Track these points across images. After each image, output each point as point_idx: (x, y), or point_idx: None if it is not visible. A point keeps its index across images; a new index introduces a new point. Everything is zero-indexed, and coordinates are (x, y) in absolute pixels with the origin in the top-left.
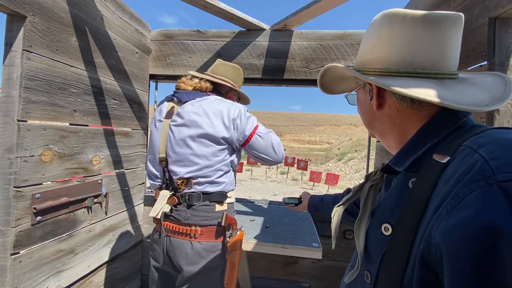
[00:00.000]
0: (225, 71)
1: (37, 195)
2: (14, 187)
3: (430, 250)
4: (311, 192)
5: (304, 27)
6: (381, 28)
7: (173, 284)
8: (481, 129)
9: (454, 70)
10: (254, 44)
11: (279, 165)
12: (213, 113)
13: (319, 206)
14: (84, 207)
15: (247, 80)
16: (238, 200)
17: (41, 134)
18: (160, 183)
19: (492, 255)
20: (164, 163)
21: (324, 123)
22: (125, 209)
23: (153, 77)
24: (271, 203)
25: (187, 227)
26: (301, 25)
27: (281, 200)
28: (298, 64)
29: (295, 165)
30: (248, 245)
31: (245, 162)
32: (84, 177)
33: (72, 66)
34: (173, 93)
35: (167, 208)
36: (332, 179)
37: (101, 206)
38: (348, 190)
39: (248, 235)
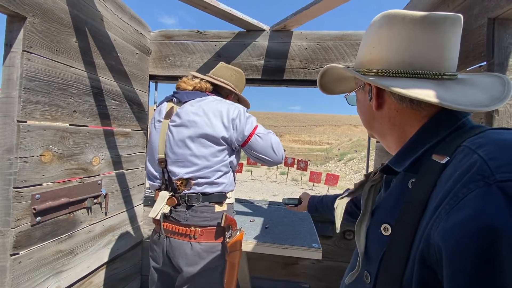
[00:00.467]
0: (226, 74)
1: (36, 196)
2: (14, 187)
3: (430, 250)
4: (311, 193)
5: (303, 28)
6: (381, 29)
7: (172, 284)
8: (480, 129)
9: (453, 71)
10: (254, 44)
11: (279, 165)
12: (212, 113)
13: (319, 207)
14: (84, 208)
15: (247, 81)
16: (238, 201)
17: (41, 134)
18: (159, 184)
19: (491, 255)
20: (163, 164)
21: (324, 123)
22: (125, 209)
23: (153, 77)
24: (271, 203)
25: (187, 228)
26: (301, 25)
27: (281, 201)
28: (297, 65)
29: (295, 166)
30: (248, 245)
31: (245, 162)
32: (84, 177)
33: (72, 67)
34: (173, 93)
35: (166, 209)
36: (332, 179)
37: (100, 207)
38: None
39: (248, 235)
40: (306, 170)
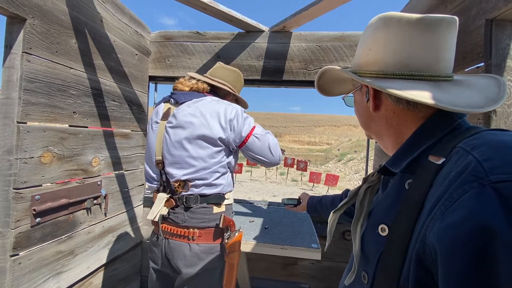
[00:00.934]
0: (223, 74)
1: (36, 197)
2: (14, 188)
3: (425, 250)
4: (311, 193)
5: (302, 29)
6: (377, 31)
7: (172, 286)
8: (476, 130)
9: (449, 72)
10: (253, 45)
11: (278, 166)
12: (209, 114)
13: (318, 207)
14: (84, 209)
15: (247, 82)
16: (238, 201)
17: (41, 135)
18: (157, 186)
19: (485, 256)
20: (160, 165)
21: (324, 124)
22: (125, 210)
23: (152, 78)
24: (270, 204)
25: (185, 230)
26: (300, 26)
27: (280, 201)
28: (297, 66)
29: (295, 166)
30: (248, 246)
31: (244, 163)
32: (83, 178)
33: (72, 68)
34: (170, 94)
35: (164, 211)
36: (332, 179)
37: (100, 208)
38: (346, 191)
39: (248, 236)
40: (306, 171)
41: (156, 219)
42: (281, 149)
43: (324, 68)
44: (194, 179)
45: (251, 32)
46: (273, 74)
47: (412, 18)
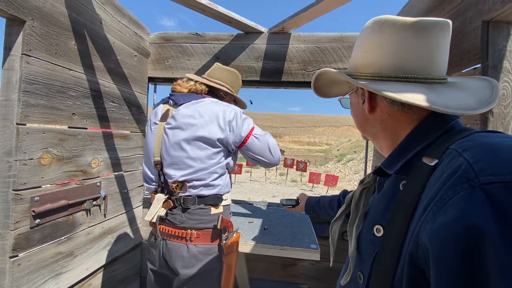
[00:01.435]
0: (221, 75)
1: (36, 198)
2: (13, 190)
3: (418, 250)
4: (310, 194)
5: (301, 30)
6: (373, 33)
7: (170, 286)
8: (468, 132)
9: (443, 75)
10: (252, 47)
11: (278, 166)
12: (208, 116)
13: (316, 208)
14: (83, 210)
15: (246, 83)
16: (237, 202)
17: (40, 137)
18: (155, 187)
19: (475, 256)
20: (159, 166)
21: (323, 124)
22: (124, 211)
23: (152, 79)
24: (269, 204)
25: (183, 231)
26: (299, 28)
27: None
28: (295, 67)
29: (295, 167)
30: (247, 246)
31: (244, 163)
32: (83, 179)
33: (71, 70)
34: (169, 95)
35: (162, 212)
36: (332, 180)
37: (100, 209)
38: (344, 192)
39: (247, 237)
40: (306, 171)
41: (154, 220)
42: (281, 150)
43: (320, 70)
44: (192, 180)
45: (250, 33)
46: (272, 75)
47: (406, 22)
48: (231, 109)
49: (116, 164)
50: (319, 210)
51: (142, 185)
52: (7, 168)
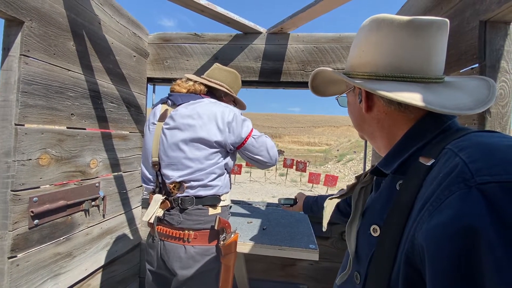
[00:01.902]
0: (220, 75)
1: (34, 199)
2: (12, 190)
3: (414, 250)
4: (310, 194)
5: (300, 30)
6: (370, 32)
7: (168, 287)
8: (464, 132)
9: (440, 75)
10: (251, 47)
11: (278, 166)
12: (207, 116)
13: (314, 207)
14: (82, 210)
15: (245, 83)
16: (236, 202)
17: (39, 137)
18: (153, 187)
19: (471, 255)
20: (157, 166)
21: (323, 124)
22: (123, 212)
23: (150, 80)
24: (268, 205)
25: (180, 231)
26: (297, 28)
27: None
28: (294, 67)
29: (294, 167)
30: (246, 247)
31: (244, 164)
32: (81, 180)
33: (70, 70)
34: (167, 95)
35: (160, 212)
36: (331, 180)
37: (98, 209)
38: (342, 191)
39: (246, 237)
40: (305, 171)
41: (151, 221)
42: (280, 150)
43: (318, 69)
44: (189, 181)
45: (249, 34)
46: (271, 75)
47: (403, 21)
48: (229, 110)
49: (115, 165)
50: (317, 209)
51: (141, 186)
52: (5, 169)
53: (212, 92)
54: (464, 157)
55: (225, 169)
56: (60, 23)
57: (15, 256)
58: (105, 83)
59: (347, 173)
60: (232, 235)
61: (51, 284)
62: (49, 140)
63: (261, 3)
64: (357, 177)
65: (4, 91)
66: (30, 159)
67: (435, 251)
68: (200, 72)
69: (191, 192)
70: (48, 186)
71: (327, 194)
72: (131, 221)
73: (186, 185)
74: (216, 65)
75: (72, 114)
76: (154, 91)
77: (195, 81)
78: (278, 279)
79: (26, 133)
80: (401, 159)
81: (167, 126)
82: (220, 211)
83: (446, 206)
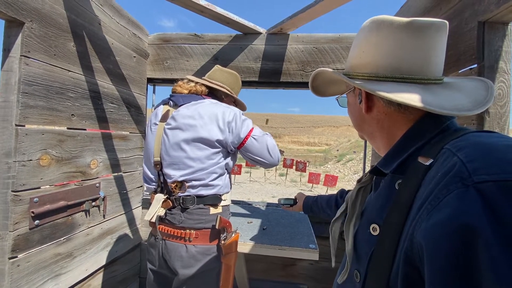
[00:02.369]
0: (221, 77)
1: (35, 199)
2: (12, 191)
3: (413, 249)
4: (310, 194)
5: (300, 31)
6: (370, 33)
7: (169, 286)
8: (462, 132)
9: (439, 76)
10: (251, 47)
11: (278, 167)
12: (208, 117)
13: (314, 207)
14: (82, 211)
15: (244, 84)
16: (236, 202)
17: (39, 138)
18: (155, 187)
19: (468, 254)
20: (158, 166)
21: (323, 124)
22: (123, 212)
23: (150, 80)
24: (268, 205)
25: (182, 231)
26: (297, 28)
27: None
28: (294, 67)
29: (294, 167)
30: (246, 247)
31: (243, 164)
32: (82, 180)
33: (70, 71)
34: (169, 96)
35: (161, 212)
36: (331, 180)
37: (99, 210)
38: (342, 191)
39: (246, 237)
40: (305, 171)
41: (153, 220)
42: (280, 150)
43: (318, 70)
44: (191, 180)
45: (249, 34)
46: (270, 75)
47: (402, 22)
48: (230, 110)
49: (115, 165)
50: (317, 209)
51: (141, 186)
52: (6, 169)
53: (213, 93)
54: (462, 156)
55: (226, 169)
56: (60, 24)
57: (16, 257)
58: (105, 84)
59: (347, 173)
60: (233, 235)
61: (52, 284)
62: (50, 140)
63: (261, 4)
64: (358, 180)
65: (5, 92)
66: (30, 160)
67: (433, 249)
68: (200, 72)
69: (193, 191)
70: (48, 186)
71: (327, 194)
72: (131, 221)
73: (187, 184)
74: (217, 66)
75: (72, 114)
76: (154, 92)
77: (197, 82)
78: (278, 279)
79: (27, 133)
80: (400, 159)
81: (169, 126)
82: (221, 211)
83: (444, 205)
